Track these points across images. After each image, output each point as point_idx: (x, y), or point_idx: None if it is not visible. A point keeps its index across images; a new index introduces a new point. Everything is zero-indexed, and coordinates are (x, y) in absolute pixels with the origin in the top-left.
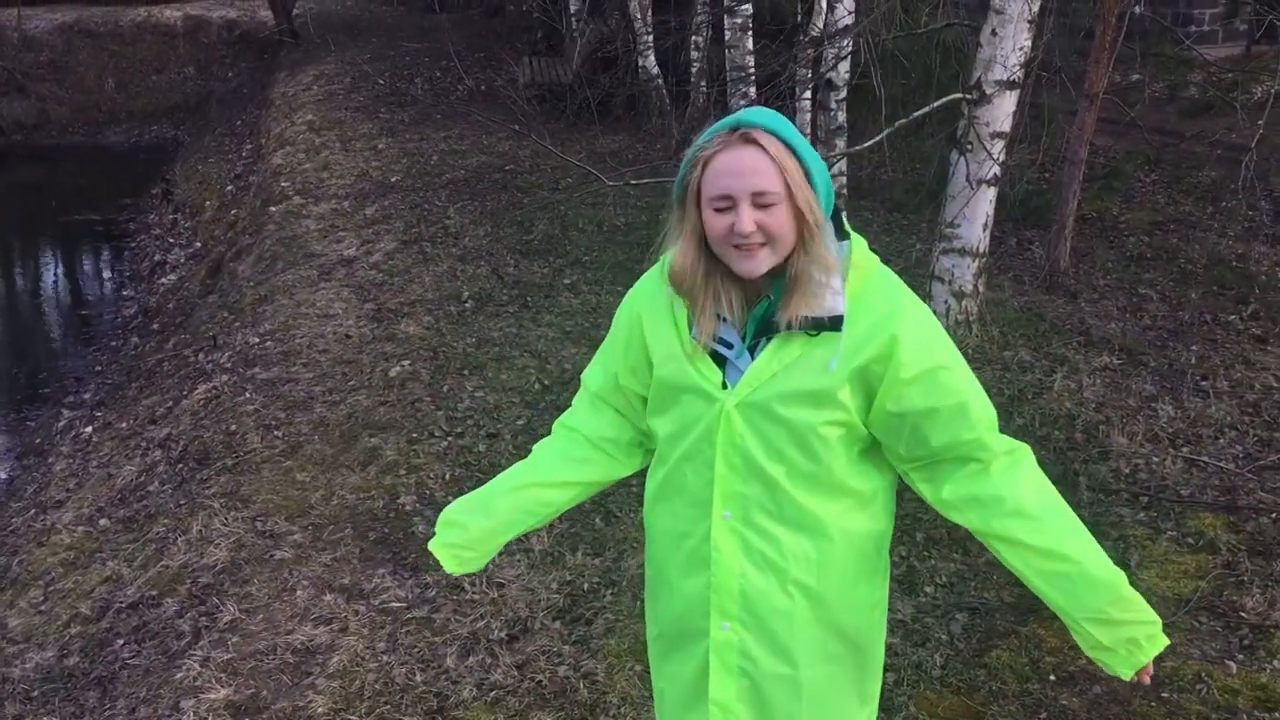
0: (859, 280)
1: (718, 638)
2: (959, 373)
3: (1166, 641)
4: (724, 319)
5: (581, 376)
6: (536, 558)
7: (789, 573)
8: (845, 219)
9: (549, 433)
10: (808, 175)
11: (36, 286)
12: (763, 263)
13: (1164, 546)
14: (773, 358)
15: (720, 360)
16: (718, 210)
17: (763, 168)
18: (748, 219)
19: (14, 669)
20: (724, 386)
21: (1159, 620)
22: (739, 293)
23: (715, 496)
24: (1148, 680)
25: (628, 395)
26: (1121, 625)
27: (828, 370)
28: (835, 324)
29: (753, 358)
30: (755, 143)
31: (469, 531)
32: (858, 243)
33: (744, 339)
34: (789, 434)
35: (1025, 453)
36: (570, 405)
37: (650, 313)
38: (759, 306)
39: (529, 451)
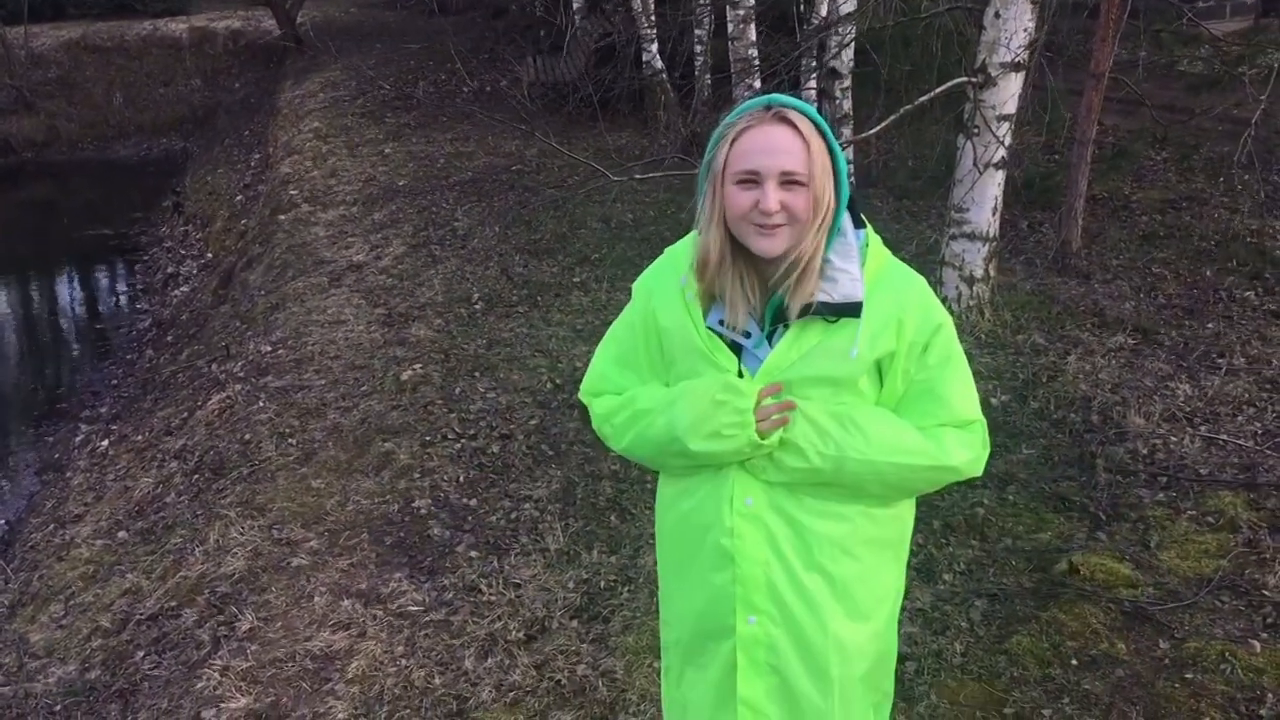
0: (875, 268)
1: (744, 633)
2: (959, 364)
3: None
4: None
5: (593, 385)
6: (552, 557)
7: (813, 557)
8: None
9: (562, 432)
10: (833, 160)
11: (51, 303)
12: (781, 242)
13: (1184, 526)
14: (792, 345)
15: (736, 349)
16: (741, 185)
17: (793, 148)
18: (773, 198)
19: (36, 684)
20: (740, 375)
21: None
22: (760, 279)
23: (735, 485)
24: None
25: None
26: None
27: (849, 357)
28: (854, 310)
29: (770, 346)
30: (788, 121)
31: None
32: (872, 232)
33: (762, 327)
34: None
35: (978, 427)
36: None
37: (664, 305)
38: (777, 294)
39: (541, 450)
